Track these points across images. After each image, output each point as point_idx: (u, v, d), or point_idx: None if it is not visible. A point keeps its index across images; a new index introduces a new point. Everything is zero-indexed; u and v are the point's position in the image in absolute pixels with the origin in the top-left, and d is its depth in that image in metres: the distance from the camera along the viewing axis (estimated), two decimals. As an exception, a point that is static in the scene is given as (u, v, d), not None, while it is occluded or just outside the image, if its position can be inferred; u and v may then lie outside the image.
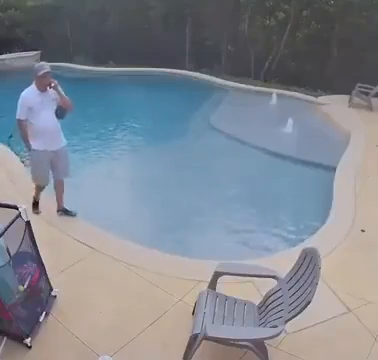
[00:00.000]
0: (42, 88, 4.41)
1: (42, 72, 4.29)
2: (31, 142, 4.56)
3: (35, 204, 5.06)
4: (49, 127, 4.52)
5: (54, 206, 5.06)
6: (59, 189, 5.01)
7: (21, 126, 4.48)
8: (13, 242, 3.08)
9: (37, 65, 4.42)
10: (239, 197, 6.25)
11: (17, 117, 4.43)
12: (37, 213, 5.00)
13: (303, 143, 8.20)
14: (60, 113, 4.60)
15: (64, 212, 5.06)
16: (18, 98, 4.41)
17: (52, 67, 4.45)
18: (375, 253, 4.58)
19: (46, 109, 4.47)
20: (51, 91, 4.44)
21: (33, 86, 4.45)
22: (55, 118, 4.58)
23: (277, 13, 13.11)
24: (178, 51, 13.88)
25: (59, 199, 5.06)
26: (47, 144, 4.56)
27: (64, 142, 4.78)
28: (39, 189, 5.01)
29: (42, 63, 4.45)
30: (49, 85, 4.38)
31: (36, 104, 4.38)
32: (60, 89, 4.47)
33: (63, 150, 4.78)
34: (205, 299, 3.28)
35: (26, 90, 4.45)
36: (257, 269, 3.57)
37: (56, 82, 4.41)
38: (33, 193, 5.04)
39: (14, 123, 4.54)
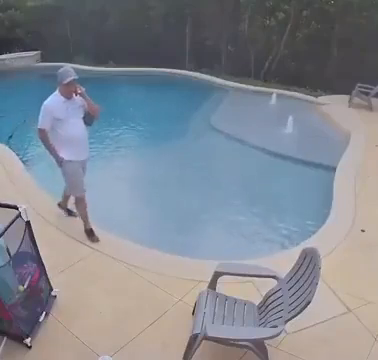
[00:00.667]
0: (68, 96, 4.07)
1: (68, 80, 3.92)
2: (61, 153, 4.18)
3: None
4: (78, 135, 4.23)
5: (54, 206, 5.06)
6: (67, 196, 4.89)
7: (43, 136, 4.10)
8: (13, 242, 3.08)
9: (61, 71, 3.98)
10: (239, 197, 6.25)
11: (39, 126, 4.07)
12: (94, 241, 4.55)
13: (303, 143, 8.20)
14: (88, 120, 4.32)
15: (66, 212, 5.03)
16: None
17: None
18: (375, 253, 4.58)
19: (74, 117, 4.15)
20: (77, 97, 4.13)
21: (57, 94, 4.08)
22: (84, 126, 4.30)
23: (277, 13, 13.04)
24: (178, 51, 13.87)
25: (64, 201, 4.98)
26: (77, 154, 4.28)
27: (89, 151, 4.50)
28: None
29: (66, 69, 4.02)
30: (75, 92, 4.07)
31: (62, 113, 4.04)
32: (87, 95, 4.17)
33: (87, 160, 4.52)
34: (205, 299, 3.28)
35: (50, 98, 4.08)
36: (257, 269, 3.57)
37: (83, 89, 4.11)
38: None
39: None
